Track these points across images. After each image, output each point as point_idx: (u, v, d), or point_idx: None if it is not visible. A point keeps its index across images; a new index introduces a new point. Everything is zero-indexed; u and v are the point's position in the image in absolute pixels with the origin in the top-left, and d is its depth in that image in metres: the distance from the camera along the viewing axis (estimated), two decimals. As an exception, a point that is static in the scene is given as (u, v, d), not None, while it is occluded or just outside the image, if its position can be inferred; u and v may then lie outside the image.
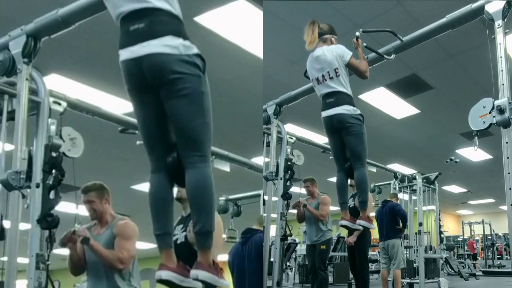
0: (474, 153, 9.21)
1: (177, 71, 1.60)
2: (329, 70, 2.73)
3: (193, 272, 1.67)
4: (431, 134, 8.14)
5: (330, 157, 3.17)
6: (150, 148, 1.76)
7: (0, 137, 2.20)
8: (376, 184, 6.84)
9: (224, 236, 3.92)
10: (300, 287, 7.53)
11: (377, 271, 8.51)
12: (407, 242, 7.04)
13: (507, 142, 2.10)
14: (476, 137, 2.27)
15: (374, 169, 5.43)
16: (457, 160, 7.94)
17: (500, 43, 2.22)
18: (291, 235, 3.61)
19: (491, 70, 2.18)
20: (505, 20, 2.26)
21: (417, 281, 6.29)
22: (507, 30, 2.26)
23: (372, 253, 9.23)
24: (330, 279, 6.25)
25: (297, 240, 8.58)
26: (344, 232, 6.95)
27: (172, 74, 1.60)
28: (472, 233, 15.04)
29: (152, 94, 1.66)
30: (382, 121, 7.17)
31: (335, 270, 7.35)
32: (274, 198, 3.57)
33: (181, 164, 1.70)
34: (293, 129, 6.70)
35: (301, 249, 8.39)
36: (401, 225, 5.73)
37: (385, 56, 2.89)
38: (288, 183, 3.47)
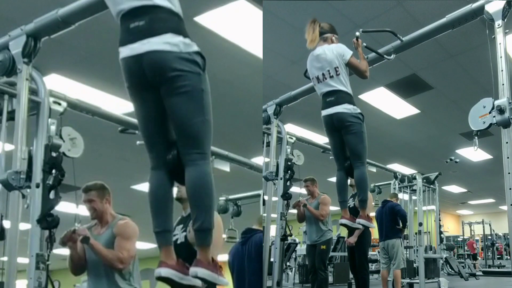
0: (474, 153, 9.21)
1: (177, 68, 1.60)
2: (329, 68, 2.73)
3: (192, 270, 1.66)
4: (431, 134, 8.14)
5: (330, 157, 3.17)
6: (150, 146, 1.76)
7: (0, 137, 2.20)
8: (376, 184, 6.84)
9: (224, 236, 3.92)
10: (300, 287, 7.53)
11: (377, 271, 8.51)
12: (407, 242, 7.04)
13: (507, 142, 2.10)
14: (476, 137, 2.27)
15: (374, 169, 5.43)
16: (457, 160, 7.94)
17: (500, 43, 2.22)
18: (291, 235, 3.61)
19: (491, 70, 2.18)
20: (505, 20, 2.26)
21: (417, 281, 6.29)
22: (507, 30, 2.26)
23: (372, 253, 9.23)
24: (330, 279, 6.25)
25: (297, 240, 8.58)
26: (344, 232, 6.95)
27: (172, 72, 1.60)
28: (472, 233, 15.04)
29: (152, 92, 1.66)
30: (382, 121, 7.17)
31: (335, 270, 7.35)
32: (274, 198, 3.57)
33: (181, 162, 1.70)
34: (293, 129, 6.70)
35: (301, 249, 8.39)
36: (401, 225, 5.73)
37: (385, 56, 2.89)
38: (288, 183, 3.47)
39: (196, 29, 3.88)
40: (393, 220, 5.76)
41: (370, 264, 7.97)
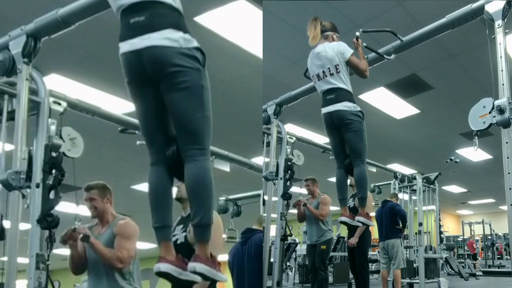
0: (474, 153, 9.21)
1: (177, 64, 1.60)
2: (329, 66, 2.73)
3: (191, 265, 1.66)
4: (431, 134, 8.14)
5: (331, 157, 3.17)
6: (150, 141, 1.75)
7: (0, 137, 2.20)
8: (376, 184, 6.83)
9: (224, 236, 3.92)
10: (300, 287, 7.53)
11: (377, 271, 8.51)
12: (407, 242, 7.04)
13: (507, 142, 2.10)
14: (476, 137, 2.27)
15: (374, 169, 5.43)
16: (457, 160, 7.94)
17: (500, 43, 2.22)
18: (291, 235, 3.61)
19: (491, 70, 2.18)
20: (505, 20, 2.26)
21: (417, 281, 6.29)
22: (507, 30, 2.26)
23: (372, 253, 9.23)
24: (330, 279, 6.25)
25: (297, 240, 8.58)
26: (344, 232, 6.95)
27: (172, 67, 1.60)
28: (472, 233, 15.03)
29: (152, 87, 1.66)
30: (382, 121, 7.17)
31: (335, 270, 7.35)
32: (274, 198, 3.57)
33: (180, 158, 1.70)
34: (293, 129, 6.70)
35: (301, 249, 8.39)
36: (400, 225, 5.73)
37: (385, 56, 2.89)
38: (288, 183, 3.47)
39: (196, 29, 3.86)
40: (393, 220, 5.76)
41: (370, 264, 7.97)
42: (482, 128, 2.17)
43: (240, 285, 3.02)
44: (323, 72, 2.76)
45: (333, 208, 5.29)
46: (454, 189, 13.09)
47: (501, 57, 2.20)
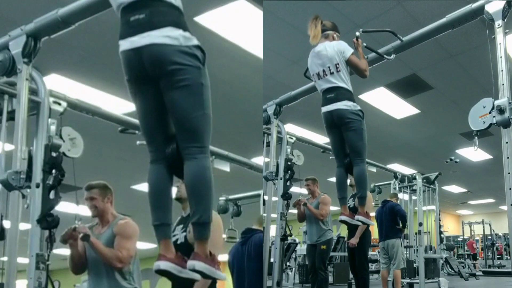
0: (474, 153, 9.21)
1: (177, 62, 1.60)
2: (329, 65, 2.73)
3: (190, 263, 1.66)
4: (431, 134, 8.14)
5: (331, 157, 3.17)
6: (150, 139, 1.75)
7: (0, 137, 2.20)
8: (376, 184, 6.83)
9: (224, 236, 3.92)
10: (300, 287, 7.53)
11: (377, 271, 8.51)
12: (407, 242, 7.04)
13: (507, 142, 2.10)
14: (476, 137, 2.27)
15: (374, 169, 5.42)
16: (457, 160, 7.93)
17: (500, 43, 2.22)
18: (291, 235, 3.61)
19: (491, 70, 2.18)
20: (505, 20, 2.26)
21: (417, 281, 6.29)
22: (507, 30, 2.26)
23: (372, 253, 9.23)
24: (330, 279, 6.25)
25: (297, 240, 8.58)
26: (344, 232, 6.95)
27: (172, 65, 1.60)
28: (472, 233, 15.03)
29: (152, 85, 1.65)
30: (382, 121, 7.17)
31: (335, 270, 7.35)
32: (274, 198, 3.57)
33: (180, 156, 1.69)
34: (293, 129, 6.70)
35: (301, 249, 8.39)
36: (400, 225, 5.73)
37: (385, 56, 2.89)
38: (288, 183, 3.47)
39: (196, 29, 3.83)
40: (393, 220, 5.76)
41: (370, 264, 7.97)
42: (482, 128, 2.17)
43: (240, 285, 3.01)
44: (323, 71, 2.76)
45: (333, 208, 5.29)
46: (454, 189, 13.09)
47: (501, 57, 2.20)
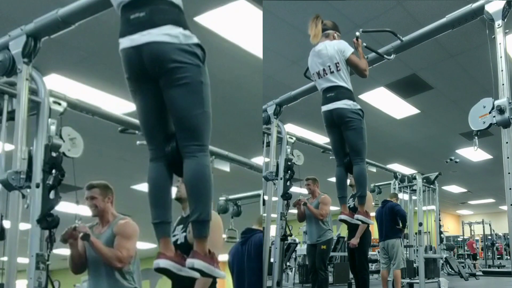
0: (474, 153, 9.21)
1: (177, 60, 1.60)
2: (330, 64, 2.73)
3: (189, 261, 1.66)
4: (431, 134, 8.14)
5: (331, 157, 3.17)
6: (149, 138, 1.75)
7: (0, 137, 2.20)
8: (376, 184, 6.83)
9: (224, 236, 3.92)
10: (300, 287, 7.53)
11: (377, 271, 8.51)
12: (407, 242, 7.04)
13: (507, 142, 2.10)
14: (476, 137, 2.27)
15: (374, 169, 5.42)
16: (457, 160, 7.93)
17: (500, 43, 2.22)
18: (291, 235, 3.61)
19: (491, 70, 2.18)
20: (505, 20, 2.26)
21: (417, 281, 6.29)
22: (507, 30, 2.26)
23: (372, 253, 9.23)
24: (330, 279, 6.25)
25: (297, 240, 8.58)
26: (344, 232, 6.95)
27: (172, 63, 1.60)
28: (472, 233, 15.03)
29: (152, 83, 1.65)
30: (382, 121, 7.17)
31: (335, 270, 7.35)
32: (274, 198, 3.57)
33: (180, 154, 1.69)
34: (293, 129, 6.70)
35: (301, 249, 8.39)
36: (400, 225, 5.73)
37: (385, 56, 2.89)
38: (288, 183, 3.47)
39: (196, 29, 3.83)
40: (393, 220, 5.76)
41: (370, 264, 7.97)
42: (482, 128, 2.17)
43: (240, 285, 3.02)
44: (324, 70, 2.76)
45: (333, 208, 5.29)
46: (454, 189, 13.09)
47: (501, 57, 2.20)
